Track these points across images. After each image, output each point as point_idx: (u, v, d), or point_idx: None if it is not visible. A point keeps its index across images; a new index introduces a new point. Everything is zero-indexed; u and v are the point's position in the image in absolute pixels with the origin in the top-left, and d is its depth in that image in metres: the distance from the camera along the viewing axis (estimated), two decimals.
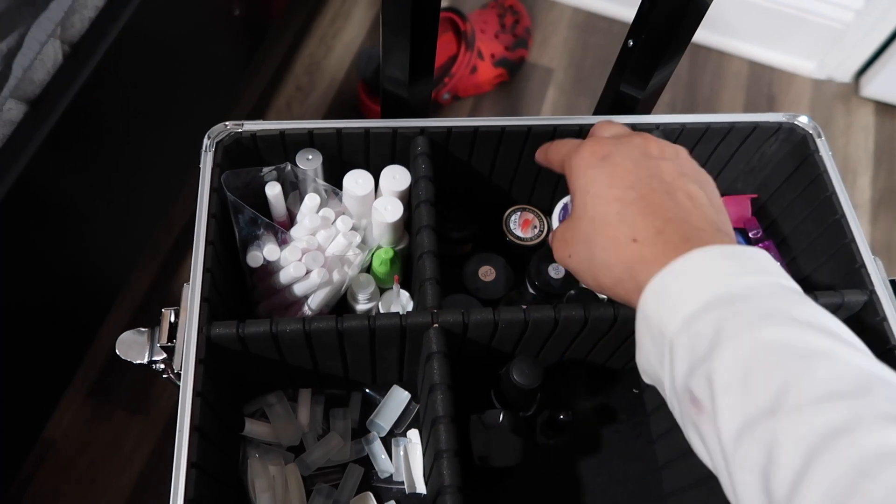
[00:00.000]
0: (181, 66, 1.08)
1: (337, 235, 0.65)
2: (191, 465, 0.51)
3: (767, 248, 0.75)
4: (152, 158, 1.07)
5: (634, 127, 0.67)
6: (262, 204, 0.65)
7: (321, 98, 1.48)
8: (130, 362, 0.60)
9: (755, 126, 0.69)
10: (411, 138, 0.66)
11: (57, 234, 0.90)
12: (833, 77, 1.62)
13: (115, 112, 0.94)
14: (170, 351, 0.58)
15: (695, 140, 0.70)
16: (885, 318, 0.61)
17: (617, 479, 0.69)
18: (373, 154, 0.68)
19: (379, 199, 0.67)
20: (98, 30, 0.87)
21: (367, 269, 0.70)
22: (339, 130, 0.65)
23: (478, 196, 0.75)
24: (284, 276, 0.64)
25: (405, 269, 0.72)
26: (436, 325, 0.58)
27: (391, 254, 0.68)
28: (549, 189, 0.76)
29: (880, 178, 1.52)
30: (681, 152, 0.50)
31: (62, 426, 1.14)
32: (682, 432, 0.42)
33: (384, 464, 0.66)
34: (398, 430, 0.69)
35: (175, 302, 0.59)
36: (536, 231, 0.75)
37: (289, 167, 0.65)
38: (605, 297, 0.66)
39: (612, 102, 0.73)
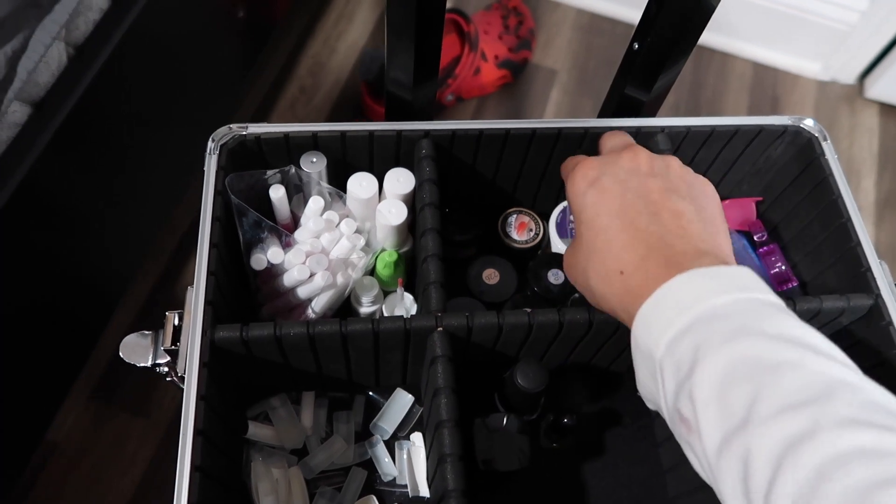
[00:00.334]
0: (185, 68, 1.08)
1: (341, 238, 0.65)
2: (194, 468, 0.51)
3: (772, 252, 0.74)
4: (156, 161, 1.07)
5: (639, 130, 0.67)
6: (266, 207, 0.65)
7: (325, 100, 1.48)
8: (134, 365, 0.59)
9: (760, 129, 0.69)
10: (415, 141, 0.66)
11: (60, 237, 0.90)
12: (837, 79, 1.61)
13: (120, 114, 0.94)
14: (173, 354, 0.58)
15: (700, 143, 0.69)
16: (890, 323, 0.60)
17: (621, 483, 0.68)
18: (377, 157, 0.68)
19: (383, 201, 0.67)
20: (102, 32, 0.87)
21: (371, 272, 0.70)
22: (343, 133, 0.65)
23: (482, 199, 0.75)
24: (288, 279, 0.63)
25: (409, 272, 0.72)
26: (440, 329, 0.58)
27: (395, 257, 0.68)
28: (553, 192, 0.75)
29: (885, 180, 1.51)
30: (671, 165, 0.51)
31: (65, 428, 1.13)
32: None
33: (387, 467, 0.66)
34: (402, 433, 0.68)
35: (179, 305, 0.59)
36: (532, 234, 0.75)
37: (293, 170, 0.65)
38: None
39: (616, 105, 0.73)
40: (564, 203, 0.75)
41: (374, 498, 0.65)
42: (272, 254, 0.63)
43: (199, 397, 0.53)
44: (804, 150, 0.69)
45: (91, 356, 1.09)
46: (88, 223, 0.95)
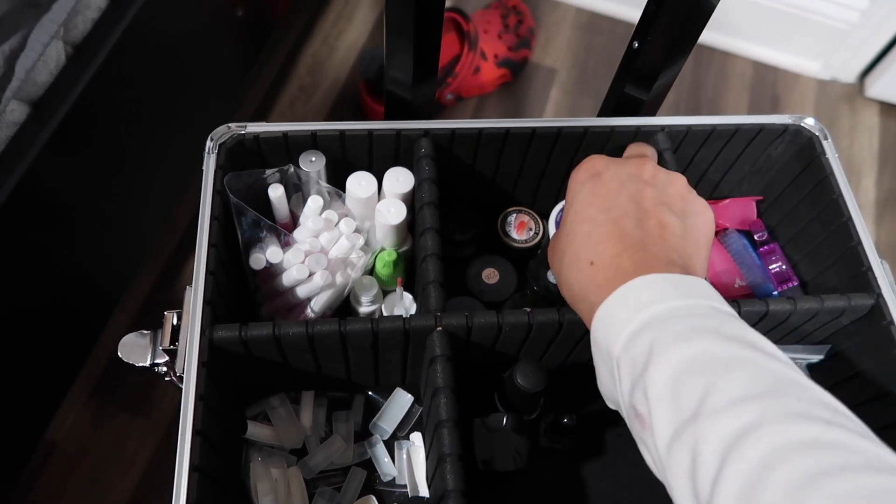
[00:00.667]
0: (184, 67, 1.08)
1: (340, 238, 0.65)
2: (193, 468, 0.50)
3: (772, 251, 0.74)
4: (156, 160, 1.07)
5: (639, 129, 0.67)
6: (265, 206, 0.65)
7: (324, 99, 1.48)
8: (133, 365, 0.59)
9: (761, 128, 0.69)
10: (415, 140, 0.66)
11: (59, 236, 0.90)
12: (837, 78, 1.61)
13: (118, 113, 0.94)
14: (172, 354, 0.58)
15: (700, 142, 0.69)
16: (892, 322, 0.60)
17: (622, 483, 0.68)
18: (376, 156, 0.68)
19: (382, 201, 0.67)
20: (101, 31, 0.87)
21: (371, 271, 0.70)
22: (342, 132, 0.65)
23: (482, 198, 0.75)
24: (287, 279, 0.63)
25: (408, 271, 0.72)
26: (439, 329, 0.58)
27: (394, 256, 0.67)
28: (553, 191, 0.75)
29: (885, 179, 1.51)
30: (674, 182, 0.53)
31: (65, 427, 1.13)
32: None
33: (387, 467, 0.66)
34: (401, 433, 0.68)
35: (179, 304, 0.59)
36: (532, 233, 0.75)
37: (292, 169, 0.65)
38: None
39: (616, 104, 0.73)
40: (562, 203, 0.75)
41: (374, 498, 0.65)
42: (271, 253, 0.63)
43: (198, 397, 0.52)
44: (805, 149, 0.69)
45: (91, 355, 1.09)
46: (88, 222, 0.95)
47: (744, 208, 0.77)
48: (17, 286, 0.84)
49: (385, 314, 0.69)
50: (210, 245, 0.58)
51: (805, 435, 0.34)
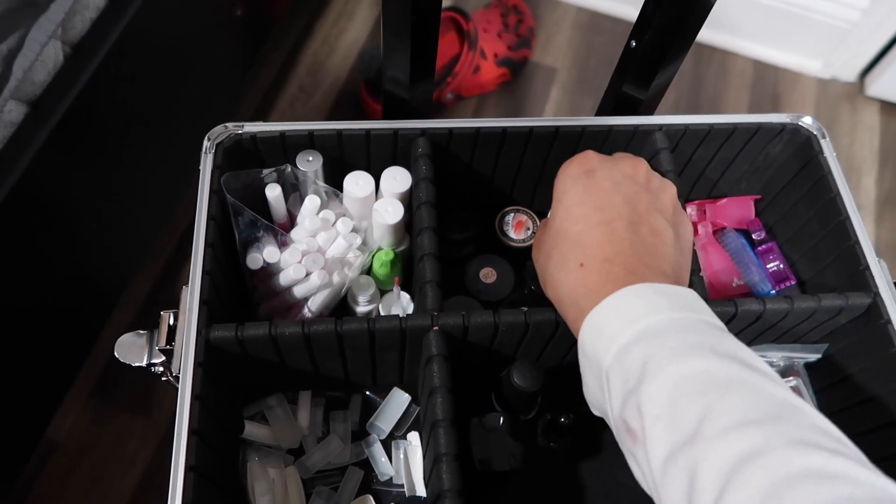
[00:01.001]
0: (183, 67, 1.08)
1: (337, 237, 0.65)
2: (189, 468, 0.50)
3: (770, 250, 0.74)
4: (155, 160, 1.07)
5: (637, 128, 0.67)
6: (263, 206, 0.65)
7: (324, 98, 1.48)
8: (129, 365, 0.59)
9: (759, 127, 0.68)
10: (412, 139, 0.66)
11: (58, 236, 0.90)
12: (838, 76, 1.61)
13: (117, 113, 0.94)
14: (168, 354, 0.58)
15: (698, 141, 0.69)
16: (889, 321, 0.60)
17: (620, 483, 0.68)
18: (374, 155, 0.68)
19: (380, 200, 0.67)
20: (99, 31, 0.87)
21: (368, 271, 0.70)
22: (339, 132, 0.65)
23: (479, 197, 0.75)
24: (284, 279, 0.63)
25: (406, 271, 0.72)
26: (436, 328, 0.58)
27: (392, 256, 0.67)
28: (551, 191, 0.75)
29: (886, 177, 1.51)
30: (667, 189, 0.52)
31: (65, 427, 1.13)
32: None
33: (384, 466, 0.66)
34: (398, 432, 0.68)
35: (178, 304, 0.59)
36: (529, 233, 0.75)
37: (289, 169, 0.65)
38: None
39: (614, 103, 0.73)
40: None
41: (371, 497, 0.65)
42: (268, 253, 0.63)
43: (194, 397, 0.52)
44: (803, 147, 0.69)
45: (91, 355, 1.09)
46: (87, 222, 0.95)
47: (742, 207, 0.77)
48: (16, 286, 0.84)
49: (382, 314, 0.69)
50: (207, 245, 0.58)
51: (809, 464, 0.33)
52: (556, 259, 0.49)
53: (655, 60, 0.67)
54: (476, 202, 0.75)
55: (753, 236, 0.76)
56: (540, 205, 0.77)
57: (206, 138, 0.63)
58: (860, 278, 0.62)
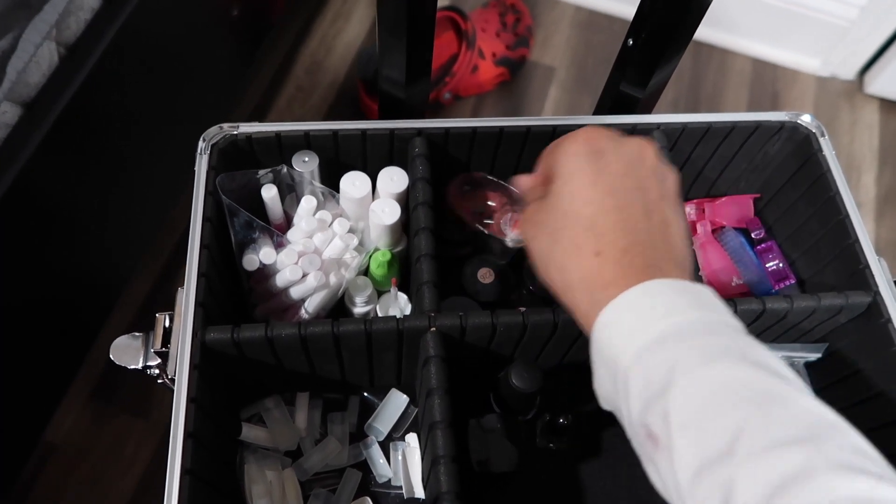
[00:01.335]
0: (180, 67, 1.08)
1: (334, 238, 0.64)
2: (185, 471, 0.50)
3: (770, 249, 0.74)
4: (152, 161, 1.06)
5: (635, 126, 0.66)
6: (258, 207, 0.64)
7: (322, 98, 1.47)
8: (125, 367, 0.59)
9: (758, 125, 0.68)
10: (409, 139, 0.66)
11: (55, 237, 0.90)
12: (837, 74, 1.61)
13: (113, 114, 0.94)
14: (164, 356, 0.58)
15: (696, 139, 0.69)
16: (889, 320, 0.60)
17: (620, 484, 0.68)
18: (370, 156, 0.68)
19: (376, 201, 0.67)
20: (94, 31, 0.86)
21: (365, 271, 0.69)
22: (335, 132, 0.65)
23: None
24: (281, 280, 0.63)
25: (403, 271, 0.71)
26: (433, 329, 0.57)
27: (389, 256, 0.67)
28: None
29: (885, 175, 1.51)
30: (671, 175, 0.49)
31: (64, 429, 1.13)
32: None
33: (382, 468, 0.66)
34: (396, 433, 0.68)
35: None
36: None
37: (285, 169, 0.65)
38: None
39: (612, 102, 0.72)
40: None
41: (369, 500, 0.64)
42: (264, 254, 0.62)
43: (190, 400, 0.52)
44: (802, 146, 0.69)
45: (89, 356, 1.08)
46: (83, 224, 0.95)
47: (741, 206, 0.76)
48: (13, 288, 0.84)
49: (380, 315, 0.68)
50: (202, 246, 0.58)
51: (856, 490, 0.32)
52: (567, 243, 0.46)
53: (652, 59, 0.66)
54: None
55: (752, 235, 0.75)
56: None
57: (201, 139, 0.63)
58: (860, 277, 0.62)
